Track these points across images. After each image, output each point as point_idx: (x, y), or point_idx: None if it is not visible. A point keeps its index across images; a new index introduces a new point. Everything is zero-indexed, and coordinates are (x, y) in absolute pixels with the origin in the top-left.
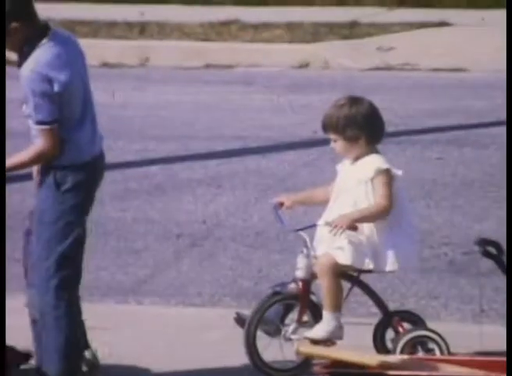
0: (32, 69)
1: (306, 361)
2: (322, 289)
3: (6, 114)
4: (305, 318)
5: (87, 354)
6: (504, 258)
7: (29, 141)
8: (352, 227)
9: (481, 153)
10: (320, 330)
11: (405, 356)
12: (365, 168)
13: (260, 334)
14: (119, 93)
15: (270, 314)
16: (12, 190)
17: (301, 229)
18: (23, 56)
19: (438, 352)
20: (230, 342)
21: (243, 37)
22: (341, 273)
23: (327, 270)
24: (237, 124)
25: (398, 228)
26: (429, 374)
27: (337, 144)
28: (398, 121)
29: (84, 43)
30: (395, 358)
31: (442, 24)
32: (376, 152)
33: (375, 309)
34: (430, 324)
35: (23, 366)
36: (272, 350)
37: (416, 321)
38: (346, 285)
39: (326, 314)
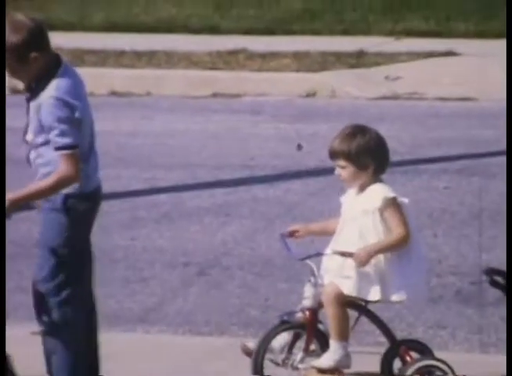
0: (55, 96)
1: None
2: (328, 318)
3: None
4: (313, 347)
5: None
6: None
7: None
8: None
9: (489, 182)
10: (327, 359)
11: None
12: (372, 197)
13: (267, 363)
14: (127, 122)
15: (277, 343)
16: (18, 220)
17: (308, 258)
18: (40, 86)
19: None
20: (237, 371)
21: (250, 67)
22: (348, 302)
23: (332, 300)
24: (245, 153)
25: (407, 257)
26: None
27: (346, 171)
28: (404, 150)
29: (93, 72)
30: None
31: (449, 54)
32: (381, 181)
33: (382, 338)
34: (437, 354)
35: None
36: None
37: (424, 350)
38: (353, 314)
39: (333, 343)
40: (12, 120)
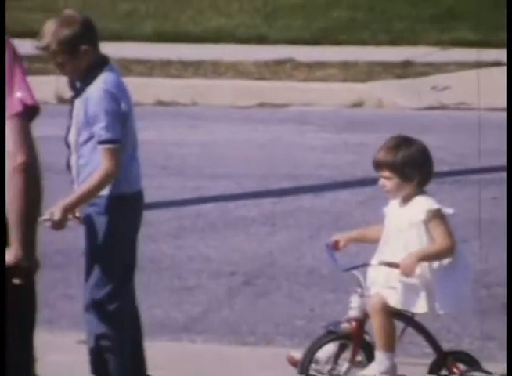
0: (103, 88)
1: None
2: (374, 329)
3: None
4: (359, 358)
5: None
6: None
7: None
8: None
9: None
10: (373, 370)
11: None
12: (417, 209)
13: (313, 373)
14: (173, 132)
15: (323, 354)
16: (65, 228)
17: (353, 269)
18: (87, 80)
19: None
20: None
21: (297, 77)
22: (395, 313)
23: (379, 310)
24: (291, 163)
25: (453, 268)
26: None
27: (390, 182)
28: (453, 160)
29: (140, 82)
30: None
31: (497, 64)
32: (424, 193)
33: (429, 350)
34: (485, 366)
35: None
36: None
37: (471, 362)
38: (399, 324)
39: (379, 354)
40: (59, 129)
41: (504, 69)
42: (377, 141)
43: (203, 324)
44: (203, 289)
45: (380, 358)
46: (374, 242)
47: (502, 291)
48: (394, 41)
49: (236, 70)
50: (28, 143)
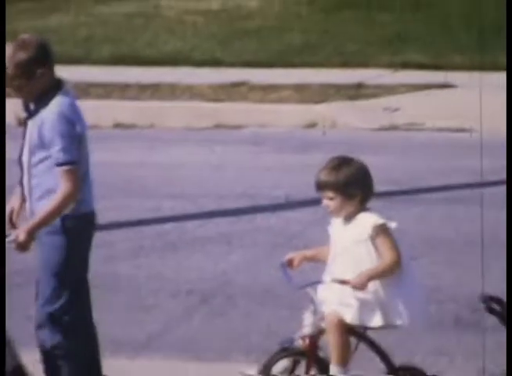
0: (58, 112)
1: None
2: (330, 344)
3: None
4: (312, 372)
5: None
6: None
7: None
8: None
9: (487, 211)
10: None
11: None
12: (362, 226)
13: None
14: (132, 153)
15: (277, 369)
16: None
17: (307, 286)
18: (42, 103)
19: None
20: None
21: (252, 98)
22: (348, 329)
23: (335, 327)
24: (247, 183)
25: (403, 282)
26: None
27: (334, 202)
28: (404, 179)
29: (98, 104)
30: None
31: (446, 86)
32: (367, 209)
33: (381, 365)
34: None
35: None
36: None
37: None
38: (353, 340)
39: (334, 367)
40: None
41: (453, 90)
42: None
43: (161, 342)
44: (160, 308)
45: (335, 371)
46: (326, 260)
47: (455, 307)
48: (346, 64)
49: (192, 92)
50: None
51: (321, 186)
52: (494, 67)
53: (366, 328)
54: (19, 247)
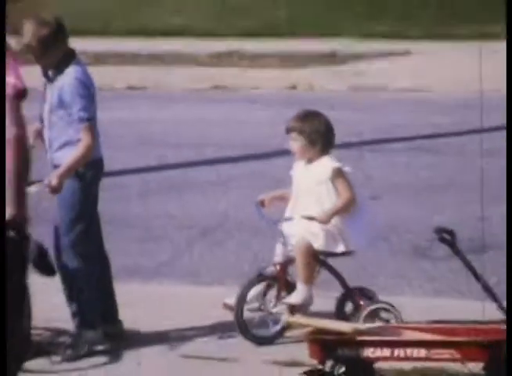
0: (75, 77)
1: (283, 330)
2: (298, 267)
3: None
4: (283, 295)
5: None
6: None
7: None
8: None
9: (442, 158)
10: (295, 298)
11: (376, 325)
12: (323, 167)
13: (246, 312)
14: (142, 111)
15: (253, 293)
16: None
17: (279, 222)
18: (59, 70)
19: (393, 321)
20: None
21: (242, 65)
22: (313, 255)
23: (304, 251)
24: (243, 135)
25: (358, 216)
26: (391, 339)
27: (298, 144)
28: (370, 132)
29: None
30: (365, 326)
31: (407, 53)
32: (327, 154)
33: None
34: (397, 299)
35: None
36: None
37: (372, 296)
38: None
39: (300, 285)
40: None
41: (412, 57)
42: None
43: (168, 269)
44: (167, 240)
45: (302, 288)
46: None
47: (412, 237)
48: (322, 35)
49: (192, 59)
50: (19, 119)
51: (288, 130)
52: (446, 37)
53: (330, 254)
54: (53, 191)
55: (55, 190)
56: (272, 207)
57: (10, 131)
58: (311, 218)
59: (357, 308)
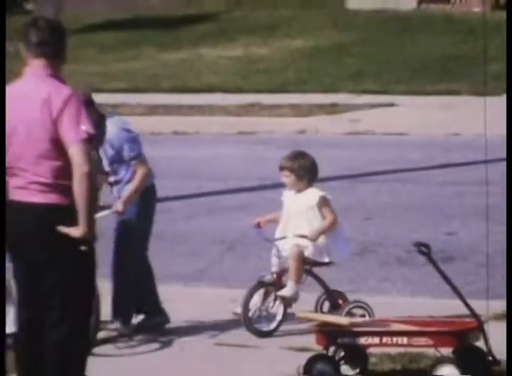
0: (119, 127)
1: (278, 326)
2: (290, 268)
3: None
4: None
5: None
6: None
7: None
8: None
9: (418, 187)
10: (286, 291)
11: (368, 319)
12: (311, 196)
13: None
14: (185, 152)
15: (255, 298)
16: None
17: (275, 240)
18: (99, 129)
19: (367, 316)
20: None
21: (261, 114)
22: (303, 262)
23: (296, 256)
24: (260, 170)
25: (339, 234)
26: (380, 330)
27: (289, 179)
28: (361, 166)
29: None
30: (360, 320)
31: (391, 105)
32: (312, 186)
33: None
34: (384, 298)
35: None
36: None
37: (345, 297)
38: None
39: (291, 283)
40: None
41: (395, 108)
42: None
43: (204, 275)
44: (203, 252)
45: (291, 285)
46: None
47: (396, 249)
48: (325, 91)
49: (223, 110)
50: (89, 159)
51: (281, 168)
52: (422, 93)
53: (317, 263)
54: (119, 215)
55: (121, 214)
56: (267, 227)
57: (83, 169)
58: (303, 236)
59: (335, 306)
